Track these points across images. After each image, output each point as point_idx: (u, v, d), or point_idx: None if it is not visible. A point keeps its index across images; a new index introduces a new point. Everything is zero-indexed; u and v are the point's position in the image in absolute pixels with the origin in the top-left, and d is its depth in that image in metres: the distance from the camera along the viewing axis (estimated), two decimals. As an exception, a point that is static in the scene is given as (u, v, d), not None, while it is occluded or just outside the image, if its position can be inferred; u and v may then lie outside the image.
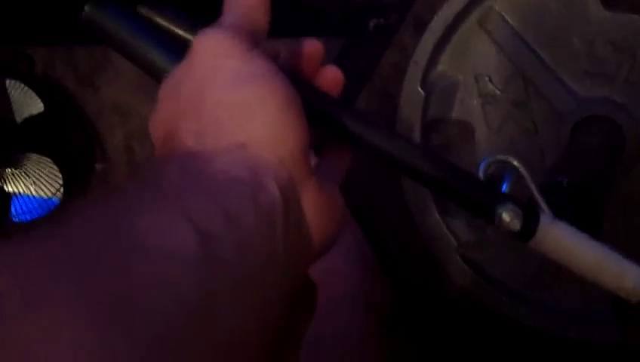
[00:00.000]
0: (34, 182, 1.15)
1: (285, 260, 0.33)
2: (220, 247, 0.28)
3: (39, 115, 1.13)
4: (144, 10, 0.47)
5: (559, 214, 0.48)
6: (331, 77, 0.44)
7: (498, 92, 0.89)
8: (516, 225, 0.45)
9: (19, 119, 1.13)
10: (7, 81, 1.12)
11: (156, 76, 0.43)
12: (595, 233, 0.54)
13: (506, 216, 0.46)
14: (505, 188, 0.48)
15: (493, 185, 0.47)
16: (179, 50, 0.44)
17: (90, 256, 0.24)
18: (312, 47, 0.44)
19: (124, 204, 0.29)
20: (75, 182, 1.17)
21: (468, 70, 0.90)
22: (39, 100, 1.13)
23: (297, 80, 0.39)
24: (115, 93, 1.15)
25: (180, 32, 0.47)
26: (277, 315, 0.33)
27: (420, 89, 0.90)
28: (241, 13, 0.39)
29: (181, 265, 0.26)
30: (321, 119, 0.43)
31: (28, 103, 1.13)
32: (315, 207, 0.37)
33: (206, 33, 0.38)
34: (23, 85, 1.12)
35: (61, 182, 1.15)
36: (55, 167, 1.15)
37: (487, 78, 0.89)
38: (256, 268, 0.30)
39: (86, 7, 0.44)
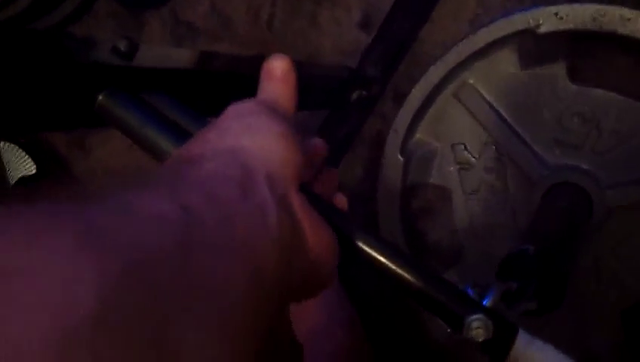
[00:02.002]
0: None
1: (281, 244, 0.34)
2: (202, 216, 0.31)
3: (31, 176, 1.17)
4: (147, 96, 0.52)
5: (525, 281, 0.52)
6: (328, 180, 0.48)
7: (473, 159, 0.94)
8: (481, 336, 0.43)
9: (12, 181, 1.16)
10: (1, 144, 1.16)
11: (160, 157, 0.47)
12: (561, 299, 0.58)
13: (474, 326, 0.43)
14: (487, 301, 0.47)
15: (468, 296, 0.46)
16: (180, 134, 0.48)
17: (87, 214, 0.27)
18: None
19: (127, 190, 0.31)
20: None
21: (445, 138, 0.95)
22: (32, 162, 1.17)
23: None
24: (106, 155, 1.19)
25: (177, 118, 0.51)
26: (270, 288, 0.33)
27: (399, 156, 0.95)
28: (271, 95, 0.44)
29: (162, 223, 0.29)
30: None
31: (20, 165, 1.17)
32: (308, 220, 0.39)
33: (238, 102, 0.43)
34: (16, 148, 1.16)
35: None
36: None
37: (462, 146, 0.94)
38: (243, 237, 0.32)
39: (100, 96, 0.49)
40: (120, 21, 1.09)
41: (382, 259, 0.45)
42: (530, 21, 0.86)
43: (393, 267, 0.45)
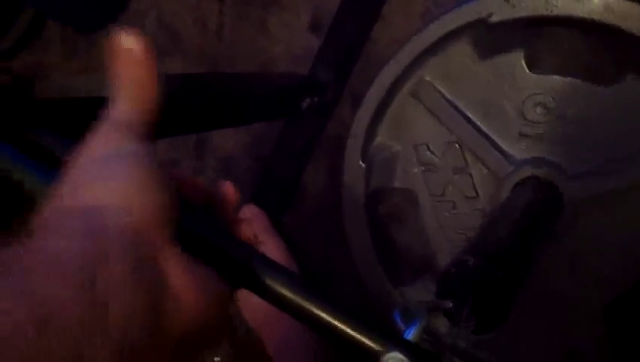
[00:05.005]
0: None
1: (118, 333, 0.30)
2: (17, 347, 0.26)
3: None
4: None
5: (461, 300, 0.48)
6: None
7: (437, 159, 0.90)
8: None
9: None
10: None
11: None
12: (504, 315, 0.53)
13: None
14: (410, 333, 0.42)
15: (387, 328, 0.41)
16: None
17: None
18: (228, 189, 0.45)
19: None
20: None
21: (406, 140, 0.91)
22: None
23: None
24: None
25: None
26: None
27: (360, 162, 0.91)
28: (127, 109, 0.39)
29: None
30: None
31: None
32: (185, 281, 0.34)
33: (91, 134, 0.37)
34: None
35: None
36: None
37: (425, 147, 0.90)
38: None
39: None
40: (70, 45, 1.06)
41: (281, 289, 0.41)
42: (482, 11, 0.81)
43: (293, 298, 0.41)
